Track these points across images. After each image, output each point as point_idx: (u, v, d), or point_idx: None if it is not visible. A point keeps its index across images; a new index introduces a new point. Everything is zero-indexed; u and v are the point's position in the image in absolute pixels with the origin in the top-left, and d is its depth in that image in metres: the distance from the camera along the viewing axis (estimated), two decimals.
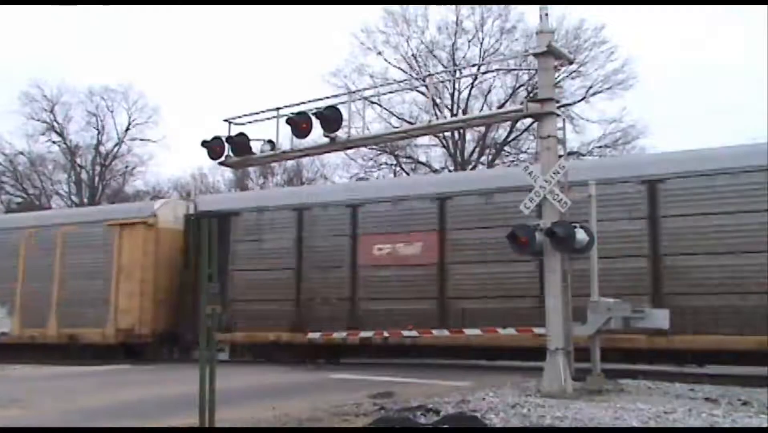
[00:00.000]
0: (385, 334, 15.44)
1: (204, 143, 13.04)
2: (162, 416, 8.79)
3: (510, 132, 34.60)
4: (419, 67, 34.96)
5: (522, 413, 8.33)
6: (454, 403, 9.17)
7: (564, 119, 11.90)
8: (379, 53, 35.39)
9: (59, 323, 19.67)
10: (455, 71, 32.45)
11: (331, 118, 11.92)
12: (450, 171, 34.15)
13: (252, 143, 12.85)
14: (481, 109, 33.59)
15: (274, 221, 17.84)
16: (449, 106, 35.06)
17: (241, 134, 12.84)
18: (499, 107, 31.57)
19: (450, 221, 15.81)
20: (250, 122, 13.05)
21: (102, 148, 47.13)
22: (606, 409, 8.50)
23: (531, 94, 29.13)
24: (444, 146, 35.37)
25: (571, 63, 15.86)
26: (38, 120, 45.61)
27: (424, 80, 29.88)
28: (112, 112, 46.59)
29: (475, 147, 35.58)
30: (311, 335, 16.27)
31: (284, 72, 66.49)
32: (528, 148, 35.01)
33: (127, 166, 48.23)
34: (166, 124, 73.95)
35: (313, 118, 11.92)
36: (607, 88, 33.67)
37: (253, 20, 69.76)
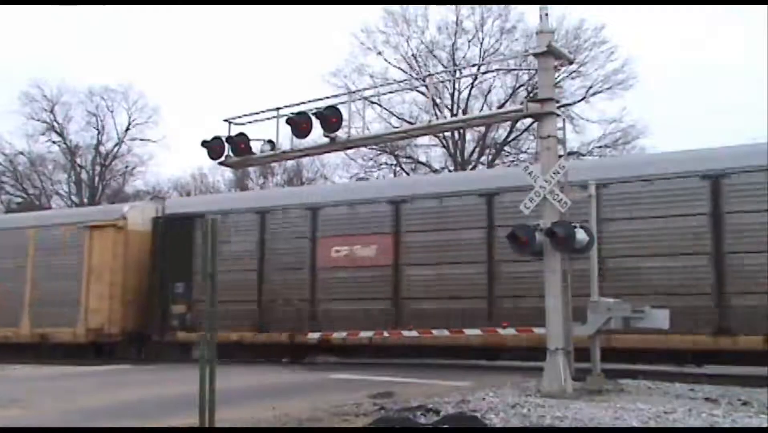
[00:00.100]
0: (386, 334, 15.50)
1: (204, 143, 13.04)
2: (162, 416, 8.79)
3: (510, 132, 34.62)
4: (419, 67, 35.00)
5: (522, 413, 8.34)
6: (454, 403, 9.17)
7: (564, 119, 11.90)
8: (379, 53, 35.48)
9: (32, 323, 20.06)
10: (455, 71, 32.46)
11: (331, 118, 11.92)
12: (450, 171, 34.17)
13: (252, 143, 12.85)
14: (481, 109, 33.63)
15: (238, 223, 18.17)
16: (449, 106, 35.08)
17: (241, 134, 12.84)
18: (499, 107, 31.58)
19: (404, 224, 16.17)
20: (250, 122, 13.05)
21: (102, 148, 47.25)
22: (606, 409, 8.50)
23: (531, 94, 29.15)
24: (444, 146, 35.40)
25: (571, 63, 15.88)
26: (38, 120, 45.72)
27: (424, 80, 29.89)
28: (112, 112, 46.71)
29: (475, 147, 35.60)
30: (311, 335, 16.35)
31: (284, 72, 66.63)
32: (528, 148, 35.08)
33: (127, 166, 48.35)
34: (166, 124, 74.11)
35: (313, 118, 11.93)
36: (607, 88, 33.76)
37: (253, 20, 69.87)
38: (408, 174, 35.64)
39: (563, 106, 30.25)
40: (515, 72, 30.78)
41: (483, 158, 35.47)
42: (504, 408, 8.67)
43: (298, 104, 12.36)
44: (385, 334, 15.48)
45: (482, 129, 33.21)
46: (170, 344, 18.48)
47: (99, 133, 46.62)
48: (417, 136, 23.16)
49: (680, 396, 10.06)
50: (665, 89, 49.53)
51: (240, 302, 17.22)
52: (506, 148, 35.75)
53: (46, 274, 20.03)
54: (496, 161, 35.23)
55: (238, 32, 67.23)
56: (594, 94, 33.83)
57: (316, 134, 12.19)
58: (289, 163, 40.32)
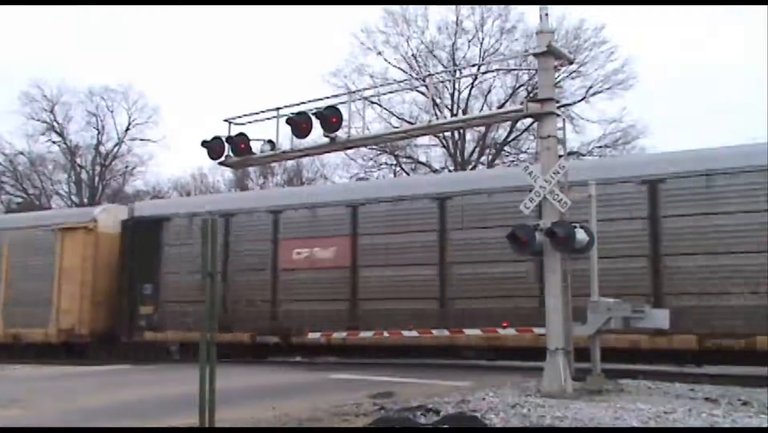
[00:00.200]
0: (385, 333, 15.52)
1: (204, 143, 13.03)
2: (162, 416, 8.79)
3: (510, 132, 34.60)
4: (419, 67, 34.96)
5: (522, 413, 8.34)
6: (454, 403, 9.17)
7: (564, 119, 11.90)
8: (379, 53, 35.44)
9: (5, 323, 20.43)
10: (455, 71, 32.44)
11: (331, 118, 11.92)
12: (450, 171, 34.17)
13: (252, 143, 12.85)
14: (481, 109, 33.58)
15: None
16: (449, 106, 35.05)
17: (241, 134, 12.83)
18: (499, 107, 31.55)
19: (362, 227, 16.51)
20: (250, 122, 13.04)
21: (102, 148, 47.23)
22: (606, 409, 8.50)
23: (531, 94, 29.13)
24: (444, 146, 35.39)
25: (571, 63, 15.88)
26: (38, 120, 45.69)
27: (424, 80, 29.87)
28: (112, 112, 46.69)
29: (475, 147, 35.59)
30: (311, 335, 16.33)
31: (284, 72, 66.63)
32: (528, 148, 35.05)
33: (127, 166, 48.33)
34: (166, 124, 74.16)
35: (313, 118, 11.92)
36: (607, 88, 33.70)
37: (253, 20, 69.87)
38: (408, 174, 35.65)
39: (563, 106, 30.23)
40: (515, 72, 30.79)
41: (483, 158, 35.46)
42: (504, 408, 8.67)
43: (298, 104, 12.36)
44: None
45: (482, 129, 33.19)
46: (138, 344, 18.89)
47: (99, 133, 46.70)
48: (417, 136, 23.14)
49: (680, 396, 10.06)
50: (665, 89, 49.62)
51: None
52: (506, 148, 35.74)
53: (21, 275, 20.46)
54: (496, 161, 35.22)
55: (238, 32, 67.36)
56: (594, 94, 33.83)
57: (316, 134, 12.20)
58: (289, 163, 40.37)
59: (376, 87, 31.46)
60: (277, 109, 12.67)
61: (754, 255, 12.88)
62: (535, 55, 11.24)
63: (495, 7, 34.38)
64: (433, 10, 34.91)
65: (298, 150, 13.34)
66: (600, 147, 34.21)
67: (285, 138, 12.67)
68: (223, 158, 13.05)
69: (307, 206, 17.44)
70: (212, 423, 7.30)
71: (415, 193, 16.26)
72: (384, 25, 35.40)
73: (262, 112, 12.89)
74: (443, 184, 17.10)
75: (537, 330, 12.91)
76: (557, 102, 11.21)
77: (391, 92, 30.66)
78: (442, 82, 32.01)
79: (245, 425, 8.06)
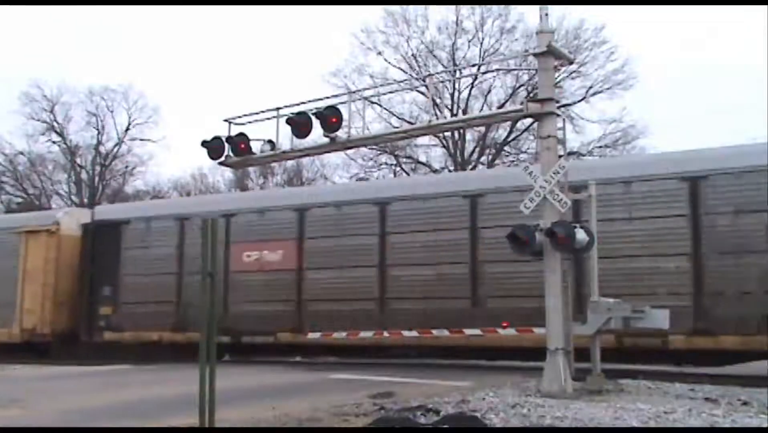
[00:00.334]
0: (378, 333, 15.56)
1: (204, 143, 13.03)
2: (162, 416, 8.79)
3: (510, 132, 34.59)
4: (419, 67, 34.96)
5: (522, 413, 8.34)
6: (454, 403, 9.17)
7: (564, 119, 11.90)
8: (379, 53, 35.44)
9: None
10: (455, 71, 32.43)
11: (331, 118, 11.92)
12: (450, 171, 34.17)
13: (252, 143, 12.84)
14: (481, 109, 33.57)
15: (159, 229, 19.10)
16: (449, 106, 35.05)
17: (241, 134, 12.83)
18: (499, 107, 31.55)
19: (308, 231, 17.11)
20: (250, 122, 13.04)
21: (102, 148, 47.18)
22: (606, 409, 8.50)
23: (531, 94, 29.13)
24: (444, 146, 35.38)
25: (571, 63, 15.88)
26: (38, 120, 45.64)
27: (424, 80, 29.84)
28: (112, 112, 46.65)
29: (475, 147, 35.59)
30: (311, 335, 16.38)
31: (284, 72, 66.63)
32: (528, 148, 35.03)
33: (127, 166, 48.30)
34: (166, 124, 74.11)
35: (313, 118, 11.92)
36: (607, 88, 33.69)
37: (253, 20, 69.87)
38: (408, 174, 35.65)
39: (563, 106, 30.25)
40: (515, 72, 30.78)
41: (483, 158, 35.46)
42: (504, 408, 8.67)
43: (298, 104, 12.36)
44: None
45: (482, 129, 33.18)
46: (98, 344, 19.29)
47: (99, 133, 46.65)
48: (417, 136, 23.14)
49: (680, 396, 10.05)
50: (665, 89, 49.60)
51: (161, 303, 18.40)
52: (506, 148, 35.73)
53: None
54: (496, 161, 35.22)
55: (238, 32, 67.37)
56: (594, 94, 33.82)
57: (316, 134, 12.19)
58: (289, 163, 40.35)
59: (376, 87, 31.44)
60: (277, 109, 12.67)
61: None
62: (535, 55, 11.24)
63: (495, 7, 34.42)
64: (433, 10, 34.97)
65: (298, 150, 13.33)
66: (600, 147, 34.26)
67: (285, 138, 12.68)
68: (223, 158, 13.05)
69: (257, 210, 17.95)
70: (212, 423, 7.29)
71: (358, 199, 16.89)
72: (384, 25, 35.46)
73: (262, 112, 12.89)
74: (385, 189, 17.67)
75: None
76: (557, 102, 11.21)
77: (391, 92, 30.66)
78: (442, 82, 31.99)
79: (245, 425, 8.06)
